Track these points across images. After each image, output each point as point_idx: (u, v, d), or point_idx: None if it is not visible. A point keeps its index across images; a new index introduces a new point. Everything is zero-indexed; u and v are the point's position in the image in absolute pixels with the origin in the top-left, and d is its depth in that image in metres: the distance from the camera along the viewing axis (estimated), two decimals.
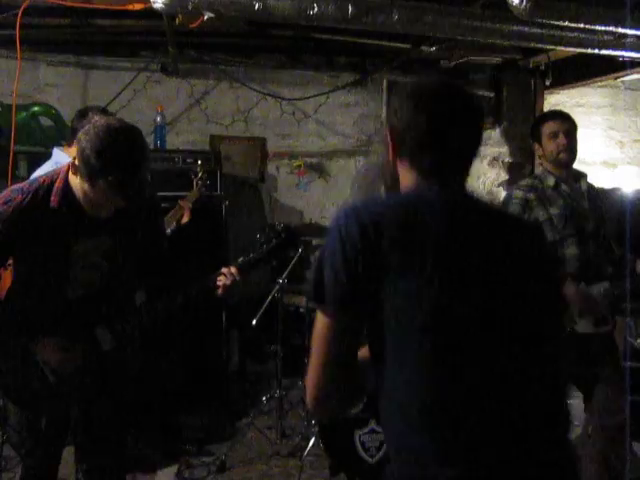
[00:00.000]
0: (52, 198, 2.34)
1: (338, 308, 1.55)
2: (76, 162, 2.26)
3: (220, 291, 2.66)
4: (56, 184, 2.36)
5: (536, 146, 3.54)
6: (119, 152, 2.18)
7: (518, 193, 3.36)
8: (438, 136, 1.64)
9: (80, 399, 2.59)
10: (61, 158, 3.16)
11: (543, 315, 1.62)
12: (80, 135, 2.26)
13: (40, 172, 3.12)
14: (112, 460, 2.74)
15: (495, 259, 1.57)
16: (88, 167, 2.19)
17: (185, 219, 3.97)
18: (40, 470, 2.63)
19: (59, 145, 3.58)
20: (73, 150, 3.44)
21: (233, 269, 2.67)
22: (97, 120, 2.31)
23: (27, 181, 2.46)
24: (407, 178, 1.69)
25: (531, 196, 3.33)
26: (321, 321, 1.61)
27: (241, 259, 2.76)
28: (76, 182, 2.32)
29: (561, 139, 3.40)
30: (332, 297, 1.54)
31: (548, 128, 3.45)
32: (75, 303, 2.47)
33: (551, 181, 3.39)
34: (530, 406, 1.53)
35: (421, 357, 1.48)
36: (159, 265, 2.73)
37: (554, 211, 3.30)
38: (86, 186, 2.26)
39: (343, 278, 1.51)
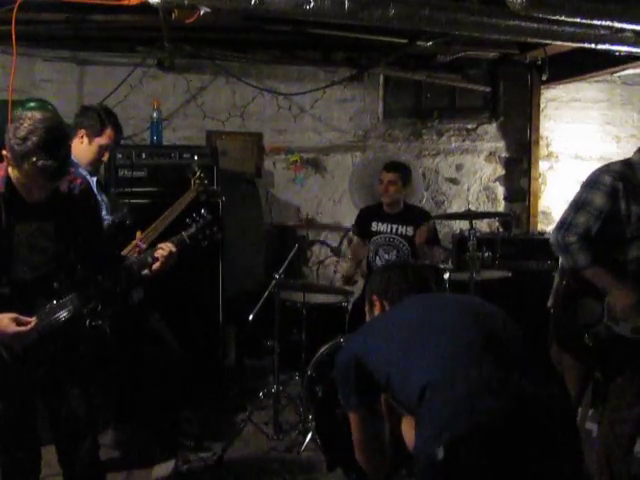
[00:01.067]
0: None
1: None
2: (5, 152, 2.47)
3: (158, 264, 3.01)
4: (0, 173, 2.56)
5: None
6: (39, 137, 2.39)
7: (606, 179, 3.06)
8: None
9: (40, 381, 2.69)
10: None
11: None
12: (9, 128, 2.47)
13: None
14: (83, 441, 2.81)
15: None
16: (13, 152, 2.42)
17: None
18: (17, 465, 2.66)
19: None
20: (71, 144, 3.47)
21: (169, 243, 3.06)
22: (20, 114, 2.53)
23: None
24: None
25: (619, 186, 3.03)
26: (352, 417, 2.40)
27: (174, 237, 3.16)
28: (13, 171, 2.53)
29: None
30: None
31: None
32: (26, 284, 2.61)
33: None
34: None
35: None
36: (100, 251, 2.93)
37: (636, 209, 3.04)
38: (16, 172, 2.49)
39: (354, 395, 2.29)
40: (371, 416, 2.31)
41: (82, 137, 3.52)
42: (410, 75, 6.22)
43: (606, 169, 3.12)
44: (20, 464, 2.70)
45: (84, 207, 2.77)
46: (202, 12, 3.70)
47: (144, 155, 4.81)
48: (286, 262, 4.28)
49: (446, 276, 4.10)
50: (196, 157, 4.89)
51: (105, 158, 3.66)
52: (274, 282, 4.21)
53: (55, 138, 2.45)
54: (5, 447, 2.68)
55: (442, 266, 4.44)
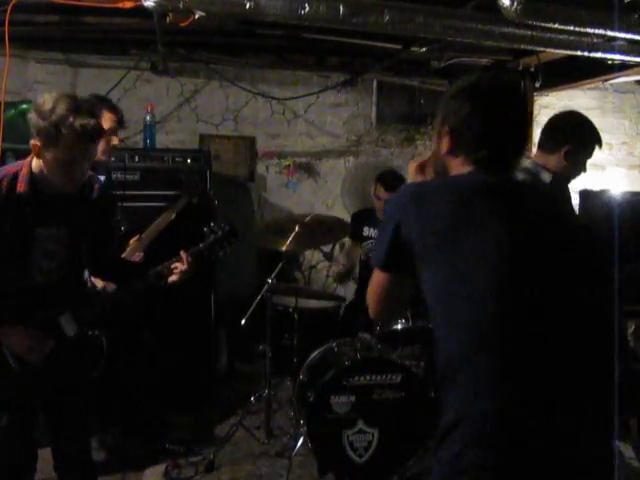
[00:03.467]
0: (19, 185, 2.46)
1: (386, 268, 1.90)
2: (34, 142, 2.41)
3: (175, 277, 2.89)
4: (22, 172, 2.48)
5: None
6: (66, 102, 2.38)
7: None
8: (492, 135, 1.83)
9: (45, 389, 2.63)
10: None
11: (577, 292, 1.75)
12: (32, 118, 2.42)
13: None
14: (80, 451, 2.79)
15: (539, 242, 1.74)
16: (47, 134, 2.36)
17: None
18: (13, 473, 2.63)
19: None
20: None
21: (187, 256, 2.94)
22: (41, 98, 2.48)
23: None
24: (460, 169, 1.87)
25: None
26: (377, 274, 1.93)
27: (192, 248, 3.04)
28: (38, 165, 2.46)
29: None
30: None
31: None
32: (37, 290, 2.54)
33: None
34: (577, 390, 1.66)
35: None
36: (110, 259, 2.90)
37: None
38: (52, 155, 2.40)
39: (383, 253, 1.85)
40: (394, 281, 1.91)
41: None
42: (404, 81, 6.24)
43: None
44: (16, 470, 2.67)
45: (100, 214, 2.72)
46: (197, 16, 3.70)
47: (137, 158, 4.80)
48: (278, 267, 4.28)
49: None
50: (189, 161, 4.88)
51: (115, 142, 3.62)
52: (266, 286, 4.21)
53: (82, 100, 2.45)
54: (2, 453, 2.63)
55: None
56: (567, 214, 1.99)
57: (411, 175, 2.17)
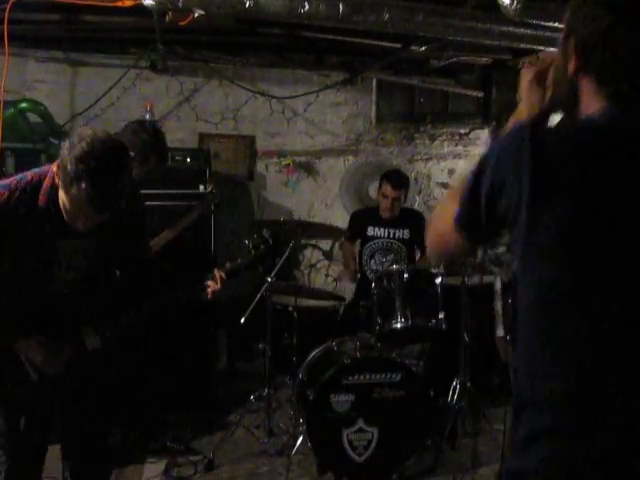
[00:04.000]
0: (40, 197, 2.33)
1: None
2: (55, 169, 2.26)
3: (209, 295, 2.77)
4: (45, 182, 2.35)
5: None
6: (95, 160, 2.16)
7: None
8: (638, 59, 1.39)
9: (63, 398, 2.60)
10: None
11: None
12: (66, 144, 2.25)
13: None
14: (97, 457, 2.74)
15: None
16: (64, 173, 2.19)
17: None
18: (22, 472, 2.61)
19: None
20: None
21: (222, 274, 2.79)
22: (84, 130, 2.28)
23: (15, 177, 2.41)
24: (592, 100, 1.44)
25: None
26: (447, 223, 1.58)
27: (228, 264, 2.89)
28: (61, 192, 2.31)
29: None
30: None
31: None
32: (60, 302, 2.47)
33: None
34: None
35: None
36: (143, 267, 2.78)
37: None
38: (62, 194, 2.26)
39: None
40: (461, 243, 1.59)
41: None
42: (403, 79, 6.23)
43: None
44: (26, 470, 2.65)
45: (131, 220, 2.61)
46: (196, 14, 3.70)
47: None
48: (278, 265, 4.28)
49: (438, 281, 4.10)
50: (188, 159, 4.88)
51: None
52: (266, 285, 4.20)
53: (113, 168, 2.22)
54: (13, 454, 2.60)
55: (434, 271, 4.44)
56: None
57: (525, 90, 1.64)
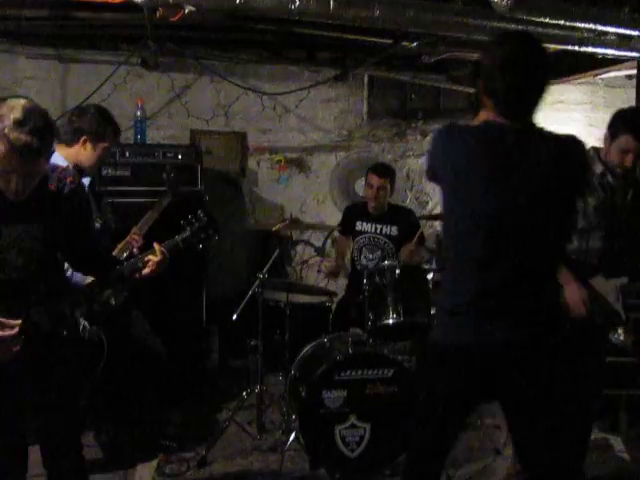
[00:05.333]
0: None
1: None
2: None
3: (148, 269, 2.91)
4: None
5: (606, 137, 3.34)
6: (17, 113, 2.26)
7: None
8: (512, 87, 2.34)
9: (26, 388, 2.60)
10: (56, 159, 3.08)
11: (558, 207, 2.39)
12: None
13: None
14: (69, 445, 2.75)
15: (535, 170, 2.32)
16: None
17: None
18: (3, 468, 2.61)
19: None
20: (73, 150, 3.38)
21: (161, 248, 2.96)
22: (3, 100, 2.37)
23: None
24: (490, 114, 2.39)
25: None
26: None
27: (167, 241, 3.06)
28: None
29: (630, 158, 3.20)
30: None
31: (624, 143, 3.21)
32: (9, 286, 2.49)
33: (598, 169, 3.24)
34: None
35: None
36: (91, 254, 2.83)
37: (591, 200, 3.18)
38: None
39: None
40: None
41: (85, 143, 3.37)
42: (395, 76, 6.23)
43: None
44: (6, 467, 2.65)
45: (74, 207, 2.63)
46: (187, 10, 3.69)
47: (128, 154, 4.79)
48: (270, 262, 4.28)
49: (430, 277, 4.12)
50: (180, 156, 4.87)
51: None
52: (258, 282, 4.21)
53: (35, 115, 2.30)
54: None
55: (426, 267, 4.45)
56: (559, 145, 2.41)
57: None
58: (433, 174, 2.50)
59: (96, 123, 3.40)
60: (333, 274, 5.14)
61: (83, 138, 3.37)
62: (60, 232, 2.58)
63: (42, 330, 2.54)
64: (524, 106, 2.38)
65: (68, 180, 2.60)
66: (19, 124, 2.25)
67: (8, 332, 2.44)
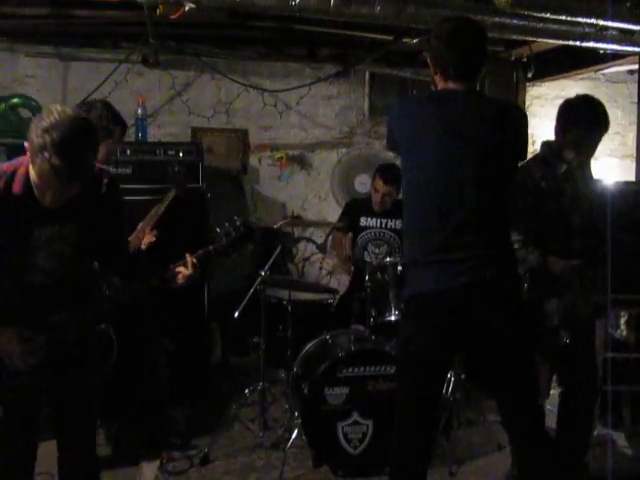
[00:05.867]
0: (15, 185, 2.35)
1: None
2: (26, 144, 2.27)
3: (180, 280, 2.76)
4: (19, 171, 2.37)
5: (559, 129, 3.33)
6: (59, 131, 2.19)
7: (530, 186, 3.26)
8: (457, 59, 2.63)
9: (45, 387, 2.57)
10: None
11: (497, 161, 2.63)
12: (35, 118, 2.27)
13: None
14: (85, 447, 2.72)
15: (477, 127, 2.59)
16: (32, 145, 2.22)
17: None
18: (11, 466, 2.60)
19: None
20: None
21: (194, 260, 2.78)
22: (52, 105, 2.31)
23: None
24: (441, 84, 2.70)
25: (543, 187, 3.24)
26: None
27: (200, 251, 2.85)
28: (32, 168, 2.33)
29: (579, 151, 3.25)
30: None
31: (575, 135, 3.22)
32: (37, 291, 2.45)
33: (537, 174, 3.29)
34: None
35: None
36: (121, 255, 2.77)
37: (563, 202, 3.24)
38: (31, 168, 2.29)
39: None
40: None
41: None
42: (396, 72, 6.22)
43: (527, 173, 3.26)
44: (15, 466, 2.64)
45: (110, 208, 2.59)
46: (187, 8, 3.68)
47: (129, 152, 4.77)
48: (271, 259, 4.28)
49: None
50: (181, 154, 4.86)
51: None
52: (259, 279, 4.20)
53: (77, 139, 2.23)
54: (2, 447, 2.59)
55: None
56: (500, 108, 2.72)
57: None
58: (392, 143, 2.78)
59: (105, 120, 3.35)
60: (341, 268, 5.11)
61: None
62: (94, 233, 2.53)
63: (67, 339, 2.51)
64: (470, 70, 2.66)
65: (105, 181, 2.56)
66: (62, 148, 2.18)
67: (27, 346, 2.42)
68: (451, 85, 2.66)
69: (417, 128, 2.64)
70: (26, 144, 2.27)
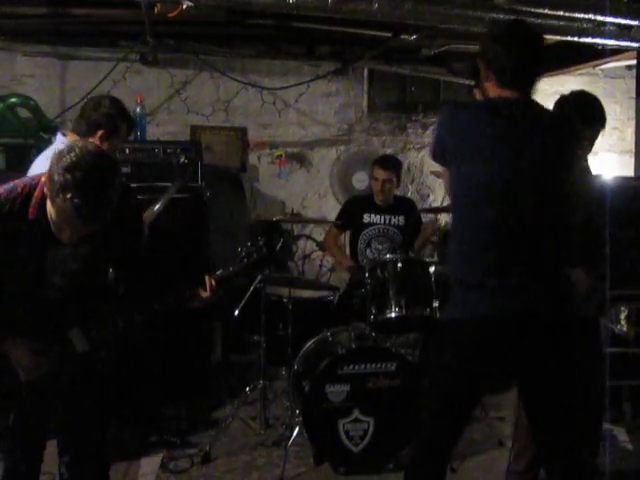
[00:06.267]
0: (30, 209, 2.30)
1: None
2: (44, 179, 2.22)
3: (197, 302, 2.71)
4: (35, 194, 2.31)
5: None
6: (82, 171, 2.13)
7: None
8: (516, 64, 2.46)
9: (57, 395, 2.57)
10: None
11: (556, 181, 2.45)
12: (55, 154, 2.21)
13: (40, 159, 3.05)
14: (93, 452, 2.72)
15: (533, 141, 2.43)
16: (51, 183, 2.16)
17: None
18: (19, 469, 2.60)
19: (38, 137, 3.45)
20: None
21: (213, 282, 2.71)
22: (74, 141, 2.25)
23: (5, 187, 2.37)
24: (493, 91, 2.53)
25: None
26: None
27: (220, 272, 2.81)
28: (49, 203, 2.27)
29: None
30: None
31: None
32: (49, 305, 2.45)
33: None
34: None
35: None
36: (136, 269, 2.72)
37: None
38: (49, 204, 2.23)
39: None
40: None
41: (102, 137, 3.23)
42: (394, 69, 6.22)
43: None
44: (22, 467, 2.64)
45: (125, 218, 2.53)
46: (185, 6, 3.68)
47: (127, 151, 4.76)
48: (273, 253, 4.27)
49: (432, 270, 4.10)
50: (180, 152, 4.85)
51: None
52: (259, 277, 4.20)
53: (101, 178, 2.18)
54: (10, 450, 2.59)
55: (428, 259, 4.45)
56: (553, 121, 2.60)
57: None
58: (441, 153, 2.55)
59: (114, 118, 3.27)
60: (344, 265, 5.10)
61: (100, 133, 3.30)
62: (109, 249, 2.50)
63: (79, 352, 2.50)
64: (528, 77, 2.50)
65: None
66: (83, 186, 2.12)
67: (43, 360, 2.42)
68: (507, 93, 2.48)
69: (472, 139, 2.46)
70: (44, 178, 2.23)
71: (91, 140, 3.24)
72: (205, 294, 2.70)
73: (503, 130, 2.42)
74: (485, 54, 2.54)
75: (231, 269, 2.84)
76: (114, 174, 2.27)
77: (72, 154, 2.14)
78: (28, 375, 2.43)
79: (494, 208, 2.40)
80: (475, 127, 2.47)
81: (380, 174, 4.84)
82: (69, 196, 2.11)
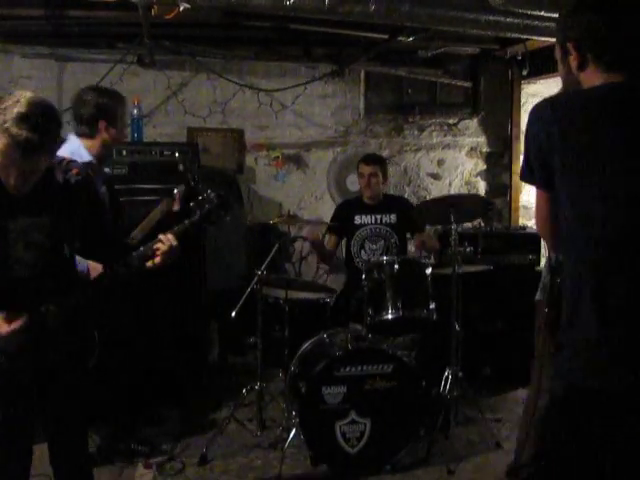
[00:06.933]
0: None
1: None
2: None
3: (158, 259, 2.72)
4: None
5: None
6: (20, 106, 2.21)
7: None
8: (622, 40, 1.88)
9: (42, 397, 2.58)
10: (80, 153, 3.08)
11: None
12: None
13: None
14: (77, 452, 2.74)
15: None
16: None
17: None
18: (7, 468, 2.60)
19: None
20: (97, 141, 3.31)
21: (170, 236, 2.74)
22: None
23: None
24: (591, 78, 1.92)
25: None
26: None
27: (176, 227, 2.83)
28: None
29: None
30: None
31: None
32: (20, 282, 2.46)
33: None
34: None
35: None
36: (103, 240, 2.76)
37: None
38: None
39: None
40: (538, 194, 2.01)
41: (106, 128, 3.28)
42: (391, 71, 6.23)
43: None
44: (11, 465, 2.64)
45: (82, 199, 2.57)
46: (182, 8, 3.69)
47: (125, 152, 4.77)
48: (268, 258, 4.27)
49: (428, 271, 4.11)
50: (177, 154, 4.86)
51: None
52: (256, 278, 4.20)
53: (37, 109, 2.24)
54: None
55: (424, 261, 4.45)
56: None
57: None
58: (539, 172, 1.95)
59: (105, 104, 3.32)
60: (317, 245, 5.05)
61: (102, 125, 3.29)
62: (69, 224, 2.54)
63: (51, 326, 2.50)
64: (635, 57, 1.90)
65: (74, 172, 2.55)
66: (21, 119, 2.20)
67: (13, 326, 2.42)
68: (616, 78, 1.87)
69: (587, 143, 1.84)
70: None
71: (98, 137, 3.27)
72: (163, 246, 2.71)
73: (632, 131, 1.82)
74: (572, 33, 1.93)
75: (186, 222, 2.86)
76: (52, 108, 2.34)
77: (8, 98, 2.25)
78: (4, 351, 2.42)
79: (623, 234, 1.82)
80: (587, 128, 1.85)
81: (364, 169, 4.91)
82: (7, 127, 2.19)
